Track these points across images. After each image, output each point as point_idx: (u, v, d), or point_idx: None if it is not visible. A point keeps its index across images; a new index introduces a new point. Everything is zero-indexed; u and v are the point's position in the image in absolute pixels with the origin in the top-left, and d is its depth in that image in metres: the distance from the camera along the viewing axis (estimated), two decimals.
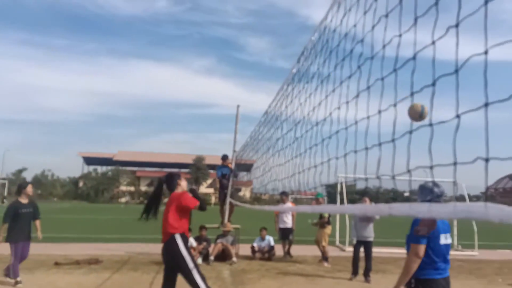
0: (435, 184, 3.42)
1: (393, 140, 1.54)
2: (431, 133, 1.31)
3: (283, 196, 10.69)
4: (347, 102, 2.15)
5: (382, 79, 1.74)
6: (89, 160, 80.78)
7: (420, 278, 3.34)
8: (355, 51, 2.13)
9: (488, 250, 13.64)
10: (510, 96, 0.94)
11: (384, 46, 1.75)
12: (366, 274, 8.18)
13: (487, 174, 1.04)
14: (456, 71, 1.21)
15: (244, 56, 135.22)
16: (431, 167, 1.28)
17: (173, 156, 79.16)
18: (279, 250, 10.78)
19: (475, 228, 13.36)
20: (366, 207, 1.64)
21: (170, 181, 5.01)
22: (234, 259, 9.74)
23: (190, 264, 4.52)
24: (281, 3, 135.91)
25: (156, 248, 11.42)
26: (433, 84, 1.32)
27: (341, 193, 13.35)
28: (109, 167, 76.34)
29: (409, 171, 1.41)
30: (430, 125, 1.31)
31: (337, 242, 13.68)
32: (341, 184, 13.55)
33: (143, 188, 73.92)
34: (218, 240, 10.11)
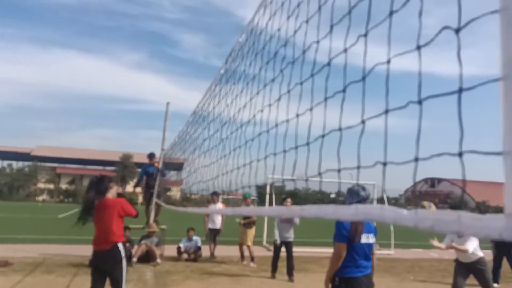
0: (362, 187, 3.59)
1: (307, 144, 1.58)
2: (339, 138, 1.36)
3: (214, 196, 10.64)
4: (270, 105, 2.18)
5: (301, 83, 1.79)
6: (3, 155, 74.35)
7: (343, 276, 3.50)
8: (279, 55, 2.18)
9: (402, 249, 14.65)
10: (407, 103, 1.00)
11: (304, 52, 1.79)
12: (289, 273, 8.41)
13: (384, 177, 1.09)
14: (363, 78, 1.27)
15: (177, 52, 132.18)
16: (339, 170, 1.33)
17: (98, 153, 75.43)
18: (206, 251, 10.72)
19: (391, 228, 14.27)
20: (282, 209, 1.67)
21: (101, 183, 4.79)
22: (159, 260, 9.50)
23: (125, 273, 4.53)
24: (218, 2, 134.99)
25: (74, 250, 10.82)
26: (344, 91, 1.38)
27: (270, 194, 13.59)
28: (26, 163, 70.83)
29: (320, 173, 1.46)
30: (340, 129, 1.36)
31: (264, 242, 13.90)
32: (270, 185, 13.79)
33: (64, 186, 69.61)
34: (142, 241, 9.81)
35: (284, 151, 1.80)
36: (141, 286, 7.43)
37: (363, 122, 1.21)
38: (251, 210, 3.18)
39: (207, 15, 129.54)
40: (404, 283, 8.75)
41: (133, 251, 9.54)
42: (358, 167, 1.22)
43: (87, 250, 9.89)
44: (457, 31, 0.86)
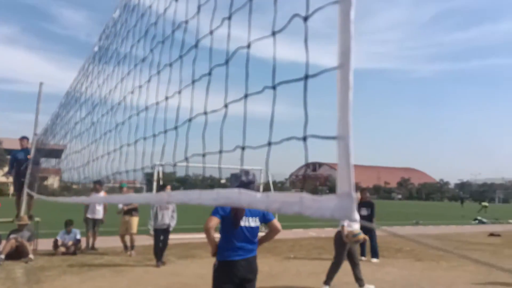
0: (245, 172, 3.60)
1: (176, 128, 1.53)
2: (205, 122, 1.34)
3: (97, 185, 10.00)
4: (140, 87, 2.07)
5: (170, 64, 1.72)
6: None
7: (221, 260, 3.51)
8: (150, 33, 2.07)
9: (285, 230, 15.53)
10: (263, 89, 1.01)
11: (173, 31, 1.72)
12: (158, 258, 8.39)
13: (242, 161, 1.10)
14: (227, 61, 1.25)
15: (55, 28, 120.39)
16: (204, 155, 1.31)
17: None
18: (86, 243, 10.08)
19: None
20: (150, 195, 1.61)
21: None
22: (31, 256, 8.64)
23: None
24: None
25: None
26: (209, 74, 1.35)
27: (158, 181, 13.27)
28: None
29: (186, 158, 1.43)
30: (205, 113, 1.34)
31: (151, 231, 13.56)
32: (158, 172, 13.46)
33: None
34: (11, 236, 8.83)
35: (154, 135, 1.73)
36: (10, 284, 6.70)
37: (225, 106, 1.20)
38: (122, 197, 3.03)
39: None
40: (285, 262, 9.30)
41: (1, 247, 8.55)
42: (220, 152, 1.21)
43: None
44: (305, 19, 0.88)
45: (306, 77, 0.87)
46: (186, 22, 1.57)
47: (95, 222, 10.23)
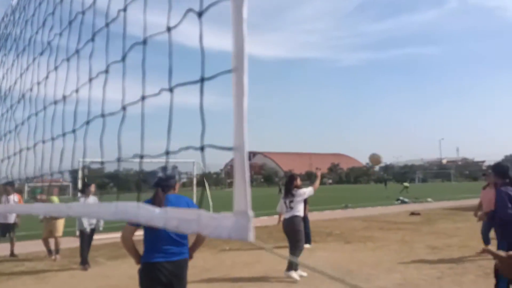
0: (162, 168, 3.41)
1: (74, 131, 1.38)
2: (103, 125, 1.21)
3: (7, 186, 9.16)
4: (38, 83, 1.87)
5: (68, 59, 1.55)
6: None
7: (144, 261, 3.34)
8: (48, 24, 1.86)
9: None
10: (160, 91, 0.92)
11: (70, 22, 1.55)
12: (83, 261, 7.98)
13: (141, 167, 1.01)
14: (123, 58, 1.13)
15: None
16: (102, 163, 1.19)
17: None
18: (5, 250, 9.29)
19: (210, 203, 14.93)
20: (50, 207, 1.45)
21: None
22: None
23: None
24: None
25: None
26: (106, 71, 1.22)
27: (83, 179, 12.57)
28: None
29: (83, 168, 1.29)
30: (102, 116, 1.21)
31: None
32: (83, 169, 12.74)
33: None
34: None
35: (52, 139, 1.55)
36: None
37: (124, 108, 1.08)
38: (23, 207, 2.77)
39: None
40: (220, 254, 9.26)
41: None
42: (119, 160, 1.09)
43: None
44: (200, 14, 0.80)
45: (202, 79, 0.78)
46: (83, 13, 1.41)
47: (8, 227, 9.42)
